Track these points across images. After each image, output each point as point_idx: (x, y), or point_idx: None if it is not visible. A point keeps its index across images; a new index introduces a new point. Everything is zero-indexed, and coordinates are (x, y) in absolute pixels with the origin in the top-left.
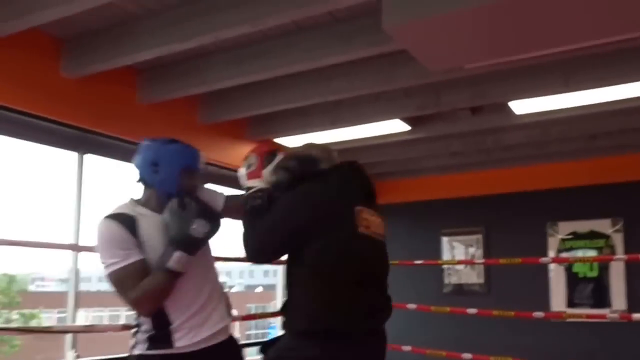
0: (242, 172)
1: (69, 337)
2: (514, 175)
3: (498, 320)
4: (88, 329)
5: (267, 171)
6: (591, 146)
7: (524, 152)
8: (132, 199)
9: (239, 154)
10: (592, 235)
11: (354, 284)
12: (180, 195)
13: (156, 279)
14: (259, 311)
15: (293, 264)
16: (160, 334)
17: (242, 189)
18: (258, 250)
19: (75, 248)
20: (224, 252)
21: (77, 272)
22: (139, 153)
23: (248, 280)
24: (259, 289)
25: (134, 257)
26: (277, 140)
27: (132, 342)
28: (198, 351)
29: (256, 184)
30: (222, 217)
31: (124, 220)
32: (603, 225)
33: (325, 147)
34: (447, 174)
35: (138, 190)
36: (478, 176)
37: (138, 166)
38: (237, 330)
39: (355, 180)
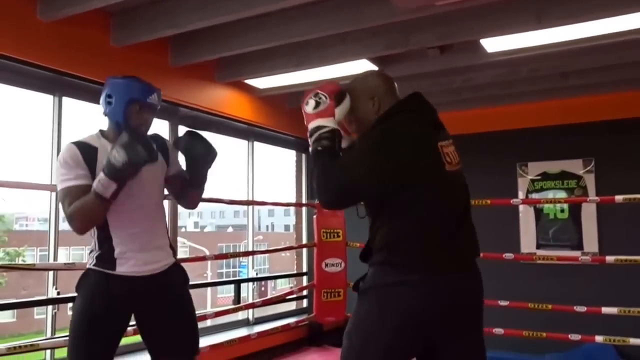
0: (309, 110)
1: (51, 274)
2: (483, 115)
3: None
4: (68, 267)
5: (340, 110)
6: (562, 85)
7: (493, 92)
8: (99, 130)
9: (208, 96)
10: (563, 175)
11: (448, 223)
12: (127, 128)
13: (86, 199)
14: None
15: (385, 204)
16: (106, 257)
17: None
18: (339, 194)
19: (55, 189)
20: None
21: (57, 212)
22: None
23: (219, 221)
24: (230, 230)
25: (82, 181)
26: (246, 81)
27: (88, 260)
28: (138, 277)
29: (327, 123)
30: (154, 155)
31: (84, 149)
32: (574, 166)
33: (386, 77)
34: None
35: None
36: (446, 117)
37: (100, 100)
38: (209, 269)
39: (427, 112)
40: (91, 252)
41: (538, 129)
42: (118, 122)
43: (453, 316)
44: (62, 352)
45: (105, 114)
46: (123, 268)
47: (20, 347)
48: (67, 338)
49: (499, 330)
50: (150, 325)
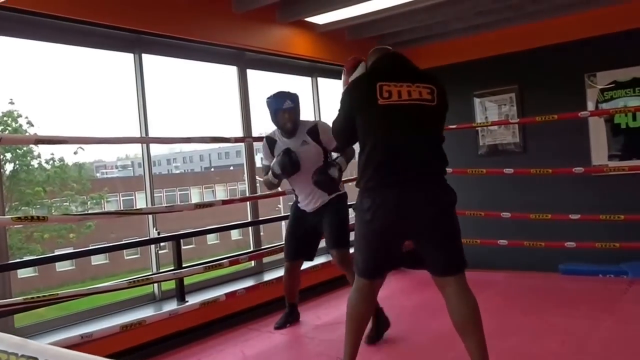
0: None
1: (150, 217)
2: (546, 28)
3: (536, 179)
4: (169, 209)
5: (352, 77)
6: None
7: (555, 2)
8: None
9: (271, 38)
10: (635, 82)
11: (384, 146)
12: (286, 150)
13: (268, 176)
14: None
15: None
16: (296, 200)
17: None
18: (336, 139)
19: (146, 140)
20: None
21: (149, 160)
22: None
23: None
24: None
25: (268, 161)
26: (308, 19)
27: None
28: (307, 211)
29: None
30: (297, 163)
31: (269, 141)
32: None
33: (379, 48)
34: (475, 35)
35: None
36: (508, 33)
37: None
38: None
39: (386, 63)
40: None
41: (606, 36)
42: (277, 125)
43: (401, 220)
44: (169, 285)
45: (272, 121)
46: (301, 205)
47: (137, 281)
48: (170, 273)
49: (570, 244)
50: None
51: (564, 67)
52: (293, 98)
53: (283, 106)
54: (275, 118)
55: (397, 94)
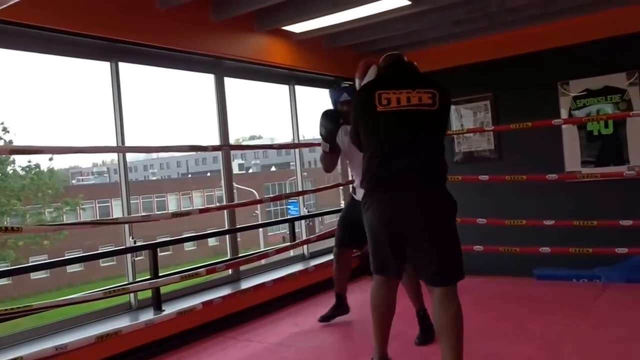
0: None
1: (127, 226)
2: (521, 37)
3: (511, 185)
4: (145, 219)
5: (365, 80)
6: None
7: (529, 12)
8: None
9: (249, 47)
10: (607, 90)
11: (383, 152)
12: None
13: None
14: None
15: None
16: (351, 192)
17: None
18: (352, 142)
19: (122, 149)
20: None
21: (125, 169)
22: None
23: (263, 161)
24: (273, 169)
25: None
26: (285, 28)
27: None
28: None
29: None
30: (335, 116)
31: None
32: (618, 80)
33: (389, 55)
34: (451, 43)
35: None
36: (483, 42)
37: None
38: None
39: (389, 71)
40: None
41: (577, 46)
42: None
43: (395, 224)
44: (145, 293)
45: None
46: (356, 197)
47: (112, 291)
48: (147, 282)
49: (545, 249)
50: None
51: (538, 75)
52: (349, 91)
53: (340, 99)
54: (335, 107)
55: (396, 100)
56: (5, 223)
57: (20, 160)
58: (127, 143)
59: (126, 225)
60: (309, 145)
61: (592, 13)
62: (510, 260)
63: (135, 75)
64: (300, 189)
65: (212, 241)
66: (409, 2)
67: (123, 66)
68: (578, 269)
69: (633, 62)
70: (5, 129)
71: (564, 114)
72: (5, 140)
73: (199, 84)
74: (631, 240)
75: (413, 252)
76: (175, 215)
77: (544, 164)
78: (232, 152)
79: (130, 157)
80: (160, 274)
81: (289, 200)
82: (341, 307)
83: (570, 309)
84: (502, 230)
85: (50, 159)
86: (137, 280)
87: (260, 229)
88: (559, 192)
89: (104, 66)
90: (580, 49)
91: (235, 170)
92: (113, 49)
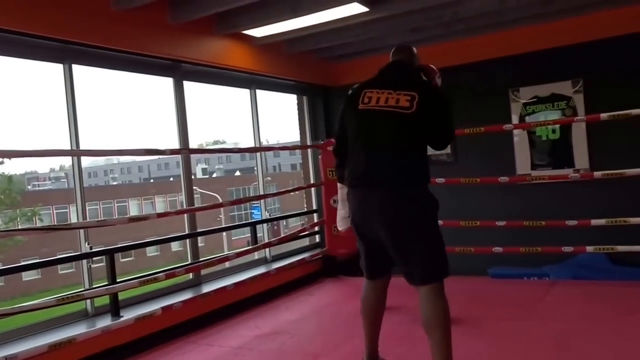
0: None
1: (82, 232)
2: (474, 45)
3: (466, 188)
4: (101, 224)
5: None
6: (547, 10)
7: (482, 22)
8: None
9: (209, 50)
10: (554, 97)
11: (357, 148)
12: None
13: None
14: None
15: None
16: None
17: None
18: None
19: (76, 153)
20: None
21: (80, 174)
22: None
23: (227, 165)
24: (237, 173)
25: None
26: (245, 32)
27: None
28: None
29: None
30: None
31: None
32: (564, 87)
33: (394, 51)
34: None
35: None
36: (438, 49)
37: None
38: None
39: (382, 71)
40: None
41: (527, 54)
42: None
43: (365, 220)
44: (103, 300)
45: None
46: None
47: (66, 298)
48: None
49: (497, 249)
50: None
51: (491, 82)
52: None
53: None
54: None
55: (376, 100)
56: None
57: None
58: (85, 147)
59: (81, 231)
60: (270, 149)
61: (543, 23)
62: (466, 260)
63: (93, 78)
64: (261, 193)
65: (175, 246)
66: (367, 9)
67: (77, 68)
68: (529, 267)
69: (578, 71)
70: None
71: (515, 119)
72: None
73: (159, 88)
74: (576, 239)
75: (390, 252)
76: (133, 219)
77: (497, 167)
78: (196, 157)
79: (90, 161)
80: (118, 280)
81: (253, 205)
82: None
83: (521, 306)
84: (458, 231)
85: (1, 163)
86: (94, 286)
87: (224, 233)
88: (510, 194)
89: (57, 68)
90: (530, 57)
91: (199, 174)
92: (66, 51)
